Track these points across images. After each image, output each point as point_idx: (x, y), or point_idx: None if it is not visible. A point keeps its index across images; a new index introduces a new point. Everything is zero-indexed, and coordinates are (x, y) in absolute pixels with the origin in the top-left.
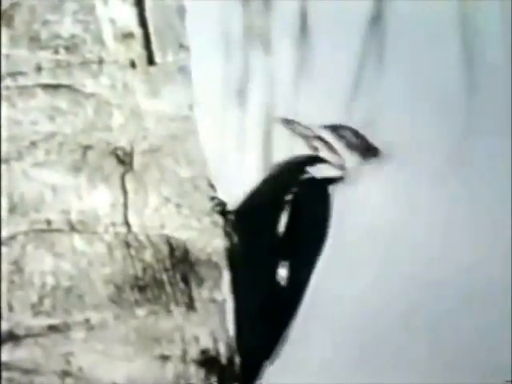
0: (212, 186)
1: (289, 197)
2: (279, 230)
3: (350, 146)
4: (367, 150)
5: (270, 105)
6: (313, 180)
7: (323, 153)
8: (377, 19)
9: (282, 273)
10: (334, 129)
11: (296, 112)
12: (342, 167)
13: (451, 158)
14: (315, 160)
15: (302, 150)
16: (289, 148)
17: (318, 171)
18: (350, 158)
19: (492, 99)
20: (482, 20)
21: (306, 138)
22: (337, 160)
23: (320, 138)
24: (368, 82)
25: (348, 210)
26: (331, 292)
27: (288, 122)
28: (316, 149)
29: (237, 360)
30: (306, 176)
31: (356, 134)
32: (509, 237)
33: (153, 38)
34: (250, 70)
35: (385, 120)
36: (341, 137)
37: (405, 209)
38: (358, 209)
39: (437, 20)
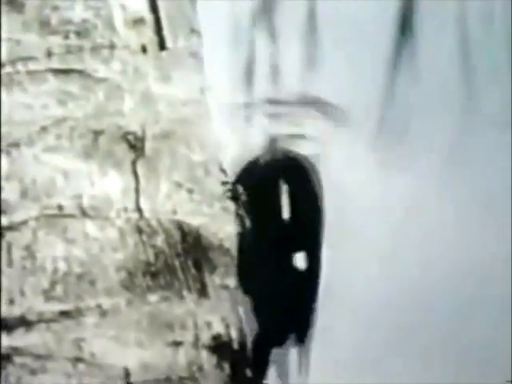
0: (224, 171)
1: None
2: (283, 217)
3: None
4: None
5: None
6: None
7: (287, 128)
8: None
9: (293, 260)
10: (304, 101)
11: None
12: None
13: (450, 153)
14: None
15: (285, 128)
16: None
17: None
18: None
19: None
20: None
21: (285, 116)
22: (299, 130)
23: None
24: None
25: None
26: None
27: (246, 106)
28: (299, 124)
29: (249, 346)
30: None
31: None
32: (509, 238)
33: (164, 23)
34: (257, 60)
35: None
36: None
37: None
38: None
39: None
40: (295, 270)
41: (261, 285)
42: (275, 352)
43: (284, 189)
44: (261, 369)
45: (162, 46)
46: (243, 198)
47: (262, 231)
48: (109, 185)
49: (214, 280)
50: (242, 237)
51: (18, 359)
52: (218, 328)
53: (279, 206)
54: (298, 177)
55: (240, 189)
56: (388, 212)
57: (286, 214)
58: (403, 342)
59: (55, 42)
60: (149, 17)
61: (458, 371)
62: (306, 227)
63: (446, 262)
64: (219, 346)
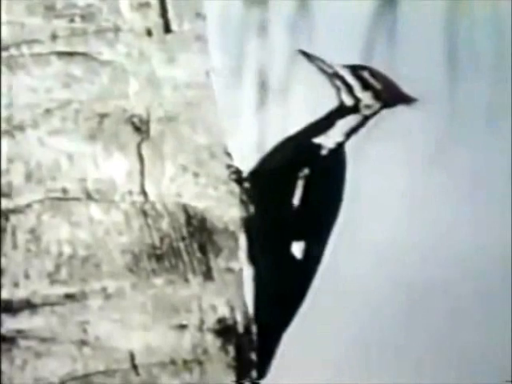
0: (228, 154)
1: (304, 172)
2: (294, 203)
3: (367, 86)
4: (388, 93)
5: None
6: (328, 156)
7: (343, 95)
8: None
9: (296, 246)
10: (354, 69)
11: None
12: (356, 109)
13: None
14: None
15: (323, 88)
16: (310, 86)
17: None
18: (366, 99)
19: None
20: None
21: (328, 75)
22: (352, 102)
23: (339, 77)
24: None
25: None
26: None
27: (312, 58)
28: (338, 88)
29: (253, 329)
30: (320, 151)
31: (376, 74)
32: (509, 238)
33: (169, 6)
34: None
35: None
36: (358, 77)
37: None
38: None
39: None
40: (292, 258)
41: (268, 270)
42: None
43: (303, 175)
44: (266, 353)
45: (167, 29)
46: (247, 183)
47: (276, 215)
48: (114, 168)
49: (218, 263)
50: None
51: (23, 342)
52: (223, 311)
53: (294, 192)
54: (320, 164)
55: (244, 173)
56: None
57: (296, 200)
58: (403, 342)
59: (60, 25)
60: (154, 0)
61: (458, 371)
62: (321, 215)
63: (445, 262)
64: (224, 329)
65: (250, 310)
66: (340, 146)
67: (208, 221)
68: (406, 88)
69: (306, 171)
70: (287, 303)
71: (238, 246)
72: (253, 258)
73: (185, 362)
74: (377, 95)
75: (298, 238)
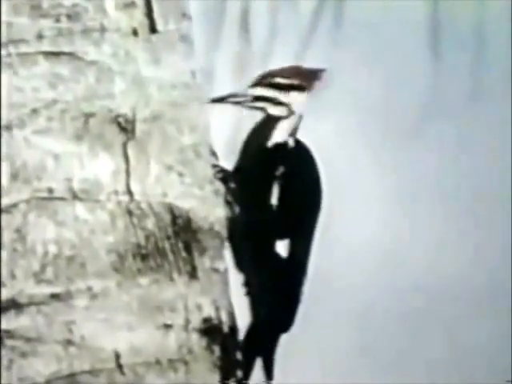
0: (214, 154)
1: (279, 170)
2: (272, 203)
3: (287, 88)
4: (305, 80)
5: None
6: (295, 153)
7: (270, 109)
8: None
9: (281, 245)
10: (265, 81)
11: None
12: (291, 113)
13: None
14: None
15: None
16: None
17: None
18: (294, 99)
19: (457, 62)
20: None
21: (246, 103)
22: (285, 110)
23: (259, 98)
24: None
25: None
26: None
27: (223, 99)
28: (262, 109)
29: (238, 329)
30: (287, 149)
31: (284, 72)
32: (509, 238)
33: (155, 6)
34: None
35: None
36: (274, 86)
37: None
38: None
39: None
40: (280, 256)
41: (251, 271)
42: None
43: (279, 174)
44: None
45: (152, 29)
46: (232, 183)
47: (256, 216)
48: (99, 167)
49: (204, 263)
50: (233, 222)
51: (8, 342)
52: (209, 311)
53: (272, 191)
54: (297, 162)
55: (229, 172)
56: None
57: (274, 199)
58: (403, 343)
59: (46, 24)
60: (139, 0)
61: (458, 371)
62: (298, 213)
63: (446, 263)
64: (209, 329)
65: (244, 312)
66: (299, 143)
67: (193, 220)
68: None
69: (281, 169)
70: (283, 303)
71: (223, 246)
72: (240, 263)
73: (170, 361)
74: (299, 89)
75: (281, 237)
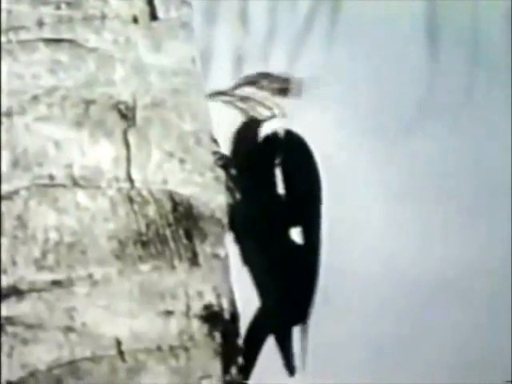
0: (215, 141)
1: (277, 159)
2: (279, 192)
3: (274, 91)
4: (283, 84)
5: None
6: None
7: (253, 112)
8: None
9: (295, 232)
10: (252, 81)
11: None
12: (274, 116)
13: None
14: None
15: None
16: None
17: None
18: (278, 102)
19: (455, 57)
20: None
21: (232, 103)
22: (269, 112)
23: (244, 98)
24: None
25: None
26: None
27: (211, 96)
28: (245, 110)
29: (239, 315)
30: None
31: (267, 76)
32: (509, 238)
33: None
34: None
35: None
36: (261, 87)
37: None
38: None
39: None
40: (293, 244)
41: (259, 259)
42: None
43: (279, 162)
44: (254, 345)
45: (153, 16)
46: (232, 169)
47: (258, 205)
48: (100, 154)
49: (205, 249)
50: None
51: (9, 329)
52: (210, 297)
53: (274, 180)
54: (296, 151)
55: (230, 158)
56: None
57: (280, 188)
58: (403, 342)
59: (47, 12)
60: None
61: (457, 371)
62: (303, 201)
63: (445, 262)
64: (210, 316)
65: (245, 298)
66: (289, 132)
67: (194, 207)
68: (388, 65)
69: (279, 158)
70: (297, 292)
71: (224, 233)
72: (248, 258)
73: (171, 348)
74: (282, 93)
75: (293, 224)
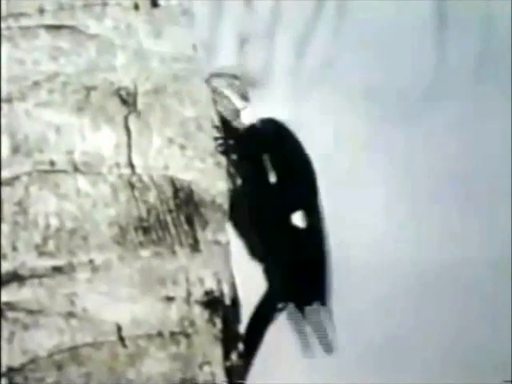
0: (216, 127)
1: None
2: (271, 181)
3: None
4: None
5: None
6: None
7: (236, 101)
8: None
9: (297, 216)
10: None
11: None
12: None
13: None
14: None
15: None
16: None
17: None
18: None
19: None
20: None
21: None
22: (245, 104)
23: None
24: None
25: None
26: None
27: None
28: (227, 98)
29: (240, 301)
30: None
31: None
32: (509, 239)
33: None
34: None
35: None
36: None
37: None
38: None
39: None
40: (296, 229)
41: (264, 245)
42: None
43: (267, 151)
44: (258, 327)
45: (154, 2)
46: (233, 155)
47: (254, 193)
48: (101, 140)
49: (205, 235)
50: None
51: (10, 314)
52: (210, 283)
53: (265, 168)
54: (282, 138)
55: (232, 144)
56: None
57: (272, 176)
58: (401, 341)
59: None
60: None
61: (457, 371)
62: (299, 185)
63: (445, 261)
64: (211, 302)
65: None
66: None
67: (195, 193)
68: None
69: (268, 145)
70: (308, 273)
71: (225, 219)
72: (253, 250)
73: (172, 334)
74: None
75: (293, 209)
